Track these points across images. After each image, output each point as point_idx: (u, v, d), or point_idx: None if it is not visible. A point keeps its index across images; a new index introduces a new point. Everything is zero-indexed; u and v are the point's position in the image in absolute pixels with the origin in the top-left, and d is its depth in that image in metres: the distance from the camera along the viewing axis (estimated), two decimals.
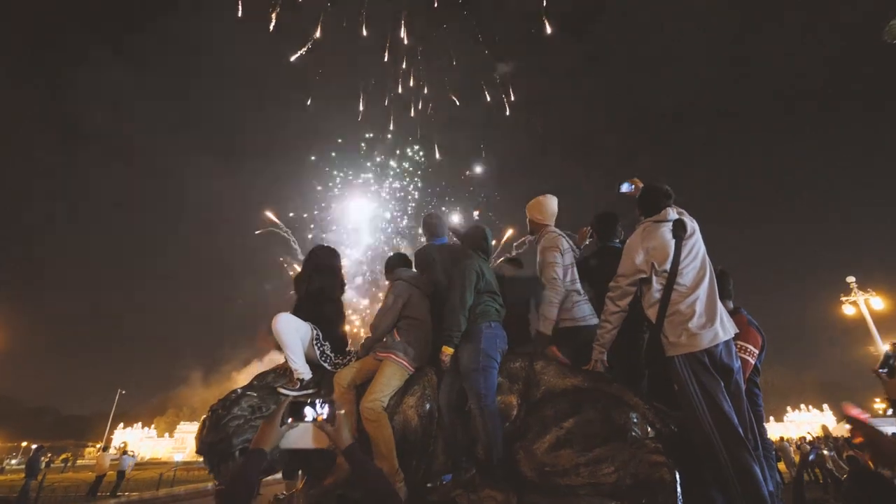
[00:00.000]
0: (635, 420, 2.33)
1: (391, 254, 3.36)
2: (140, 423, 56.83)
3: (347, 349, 3.07)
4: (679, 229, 2.48)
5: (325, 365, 2.81)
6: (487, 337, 2.59)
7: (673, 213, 2.58)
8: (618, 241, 3.23)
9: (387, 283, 3.16)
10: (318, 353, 2.78)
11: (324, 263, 3.11)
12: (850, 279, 15.83)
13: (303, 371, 2.66)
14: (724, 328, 2.30)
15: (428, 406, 2.55)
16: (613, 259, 3.00)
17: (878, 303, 15.40)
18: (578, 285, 3.04)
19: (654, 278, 2.50)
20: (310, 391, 2.67)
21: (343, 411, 1.68)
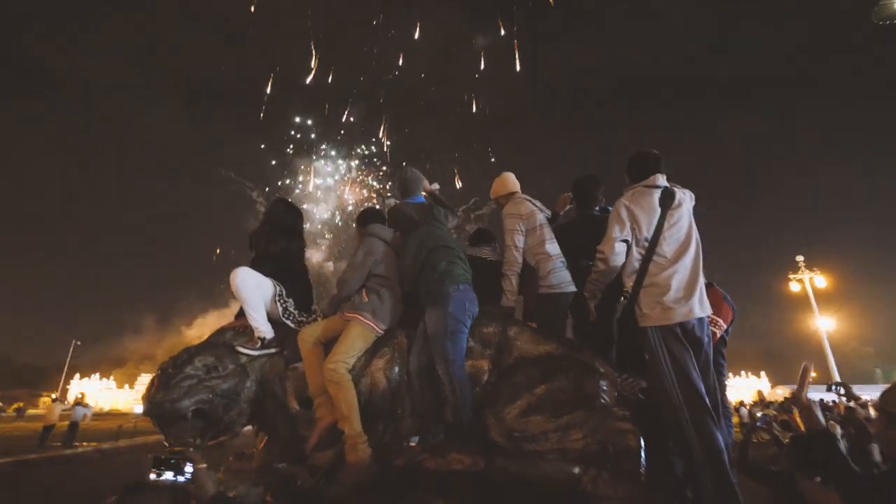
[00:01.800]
0: (605, 388, 2.33)
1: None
2: (98, 375, 55.47)
3: (312, 307, 2.91)
4: (667, 198, 2.42)
5: (289, 322, 2.65)
6: (456, 300, 2.49)
7: (662, 179, 2.51)
8: (597, 208, 3.15)
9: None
10: (280, 309, 2.62)
11: (284, 221, 2.88)
12: (799, 258, 16.77)
13: (264, 329, 2.50)
14: (702, 305, 2.29)
15: (396, 369, 2.47)
16: (592, 227, 2.93)
17: (821, 281, 16.45)
18: (552, 248, 2.96)
19: (634, 246, 2.46)
20: (272, 350, 2.52)
21: (204, 465, 1.53)
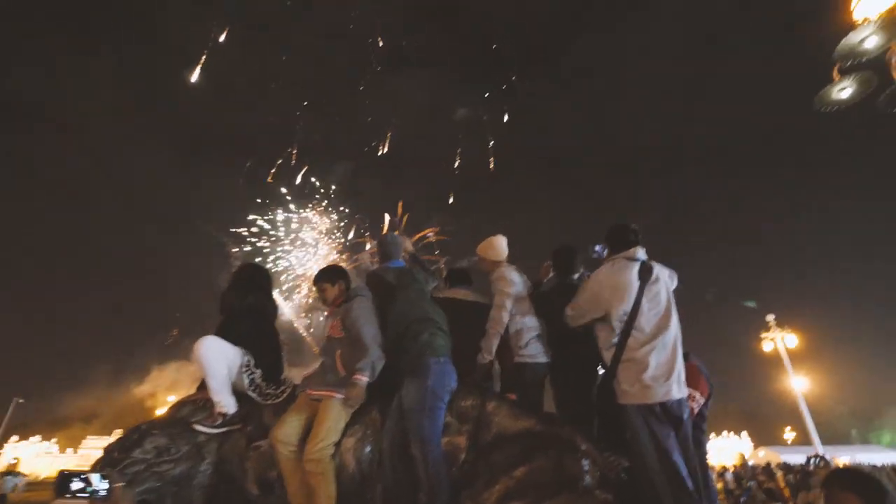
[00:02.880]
0: (586, 468, 2.23)
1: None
2: (39, 437, 50.28)
3: (282, 377, 2.76)
4: (645, 272, 2.47)
5: (254, 396, 2.49)
6: (436, 374, 2.41)
7: (641, 252, 2.58)
8: (576, 276, 3.20)
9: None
10: (246, 382, 2.46)
11: (255, 280, 2.80)
12: (770, 317, 17.26)
13: (226, 405, 2.33)
14: (680, 386, 2.29)
15: (368, 449, 2.31)
16: (572, 295, 2.97)
17: (792, 340, 16.83)
18: (531, 321, 3.00)
19: (613, 320, 2.46)
20: (234, 427, 2.33)
21: (122, 484, 1.42)
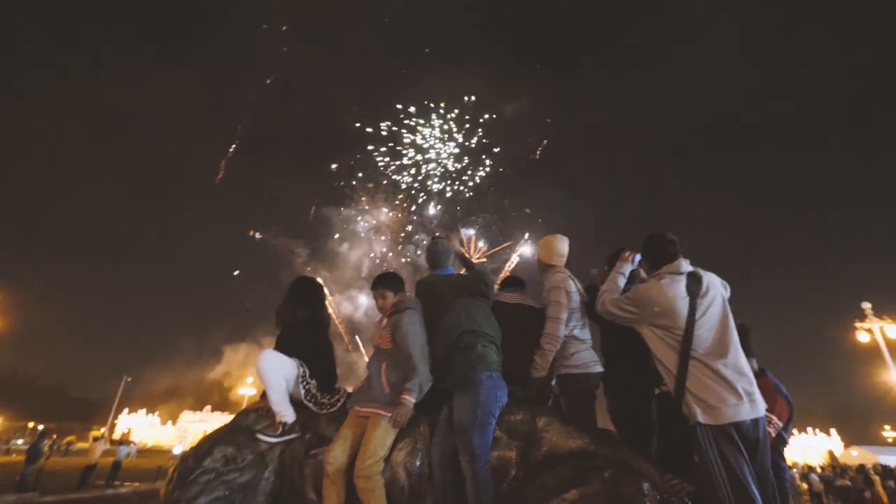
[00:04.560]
0: (646, 492, 2.10)
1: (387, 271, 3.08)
2: (144, 410, 57.45)
3: (336, 386, 2.87)
4: (693, 284, 2.26)
5: (310, 405, 2.61)
6: (487, 388, 2.38)
7: (686, 264, 2.35)
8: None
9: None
10: (302, 392, 2.58)
11: (308, 293, 2.90)
12: (866, 305, 15.29)
13: (285, 414, 2.47)
14: (753, 405, 2.06)
15: (418, 463, 2.34)
16: None
17: (893, 330, 14.84)
18: (582, 333, 2.85)
19: (667, 339, 2.27)
20: (293, 436, 2.47)
21: None
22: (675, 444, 2.36)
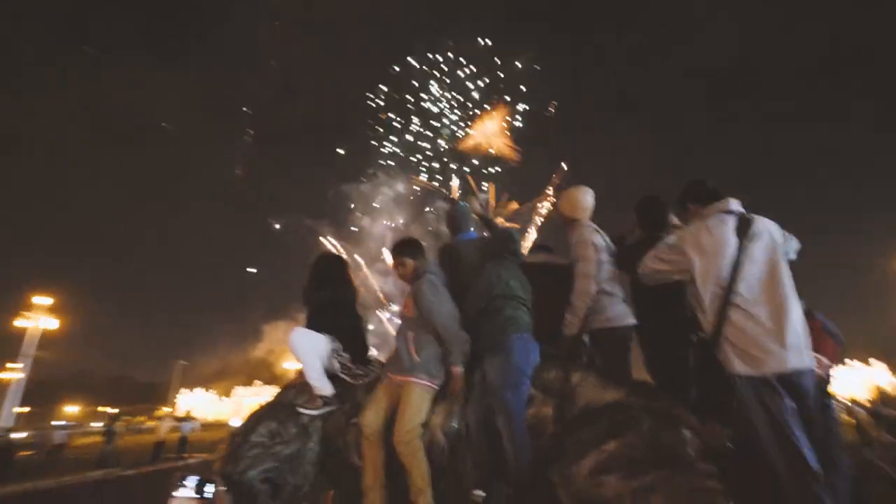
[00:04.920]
0: (687, 439, 2.08)
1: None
2: (202, 389, 61.86)
3: (369, 356, 2.93)
4: (744, 226, 2.10)
5: (346, 378, 2.68)
6: (519, 350, 2.37)
7: (735, 203, 2.19)
8: (665, 233, 2.85)
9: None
10: (337, 366, 2.65)
11: (331, 273, 2.92)
12: None
13: (323, 388, 2.55)
14: (801, 355, 1.94)
15: (455, 424, 2.39)
16: None
17: None
18: (611, 286, 2.78)
19: (708, 283, 2.14)
20: (332, 408, 2.56)
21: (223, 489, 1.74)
22: (714, 391, 2.30)
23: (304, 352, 2.54)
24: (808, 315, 2.34)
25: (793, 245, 2.32)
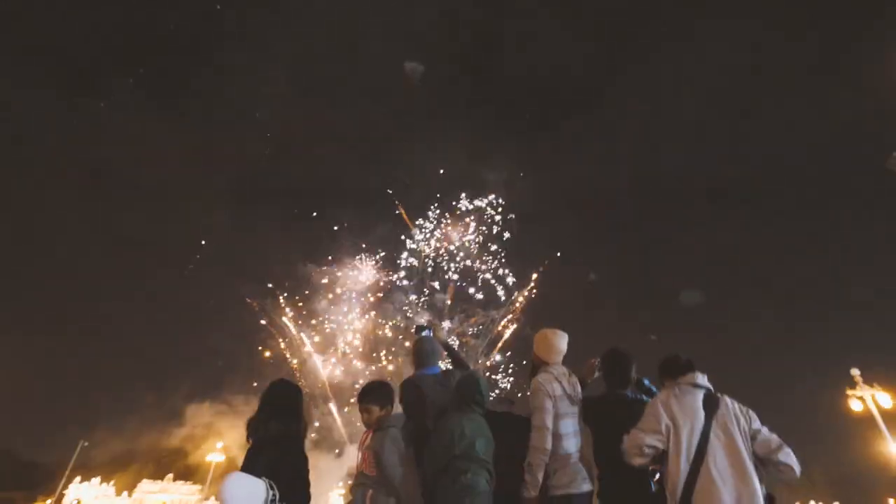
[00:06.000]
0: None
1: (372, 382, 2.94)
2: (98, 479, 52.51)
3: None
4: (710, 401, 2.23)
5: None
6: None
7: (703, 379, 2.34)
8: (629, 390, 2.87)
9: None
10: None
11: (282, 404, 2.71)
12: (855, 372, 15.20)
13: None
14: None
15: None
16: (621, 410, 2.66)
17: (885, 399, 14.74)
18: (569, 444, 2.65)
19: (680, 453, 2.18)
20: None
21: None
22: None
23: (236, 502, 2.21)
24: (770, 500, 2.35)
25: (754, 421, 2.40)
